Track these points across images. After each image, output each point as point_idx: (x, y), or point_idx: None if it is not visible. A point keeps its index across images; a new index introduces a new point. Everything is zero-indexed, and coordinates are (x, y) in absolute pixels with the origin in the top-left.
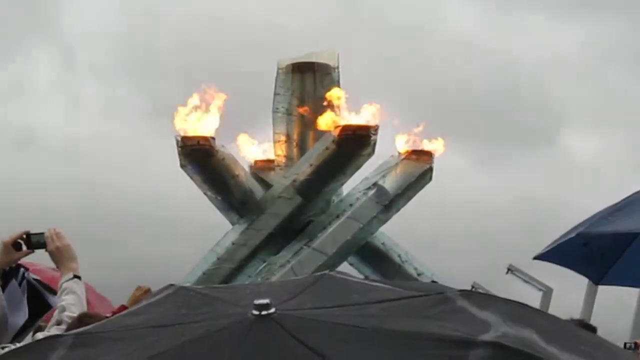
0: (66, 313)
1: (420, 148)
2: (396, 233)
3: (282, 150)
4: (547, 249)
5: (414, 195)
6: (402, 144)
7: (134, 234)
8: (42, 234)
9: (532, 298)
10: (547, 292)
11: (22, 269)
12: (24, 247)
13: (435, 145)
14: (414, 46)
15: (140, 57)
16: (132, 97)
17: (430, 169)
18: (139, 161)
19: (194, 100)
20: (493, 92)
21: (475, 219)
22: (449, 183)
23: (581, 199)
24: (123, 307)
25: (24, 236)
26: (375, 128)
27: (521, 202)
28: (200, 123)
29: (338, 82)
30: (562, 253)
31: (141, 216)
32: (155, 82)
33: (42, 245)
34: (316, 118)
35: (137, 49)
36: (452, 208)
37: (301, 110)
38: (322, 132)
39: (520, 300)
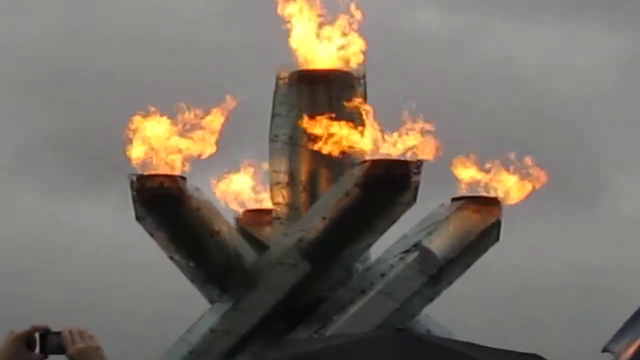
0: None
1: (485, 193)
2: (447, 316)
3: (282, 195)
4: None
5: (474, 261)
6: (462, 186)
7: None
8: (59, 333)
9: None
10: None
11: None
12: (38, 348)
13: (508, 185)
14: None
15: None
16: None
17: (498, 224)
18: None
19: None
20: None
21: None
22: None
23: None
24: None
25: (40, 335)
26: (418, 164)
27: (575, 274)
28: (166, 153)
29: (364, 97)
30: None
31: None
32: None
33: (59, 349)
34: (332, 149)
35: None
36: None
37: (311, 137)
38: (341, 170)
39: None
